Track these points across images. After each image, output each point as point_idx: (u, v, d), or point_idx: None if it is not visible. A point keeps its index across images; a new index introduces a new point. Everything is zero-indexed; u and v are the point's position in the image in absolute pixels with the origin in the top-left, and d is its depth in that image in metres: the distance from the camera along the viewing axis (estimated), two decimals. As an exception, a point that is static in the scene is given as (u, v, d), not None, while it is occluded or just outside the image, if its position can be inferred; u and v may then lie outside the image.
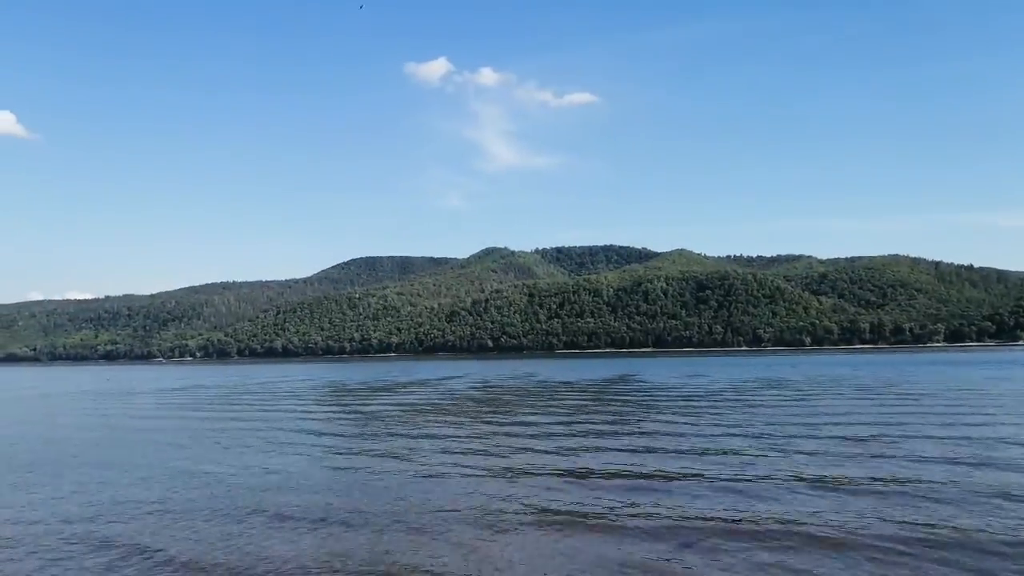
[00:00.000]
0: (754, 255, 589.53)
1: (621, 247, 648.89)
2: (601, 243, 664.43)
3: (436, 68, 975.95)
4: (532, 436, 33.38)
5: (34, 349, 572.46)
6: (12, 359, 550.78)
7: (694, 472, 23.51)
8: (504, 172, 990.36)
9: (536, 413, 45.38)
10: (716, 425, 35.79)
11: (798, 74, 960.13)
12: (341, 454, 29.50)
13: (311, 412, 51.15)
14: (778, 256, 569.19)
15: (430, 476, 24.10)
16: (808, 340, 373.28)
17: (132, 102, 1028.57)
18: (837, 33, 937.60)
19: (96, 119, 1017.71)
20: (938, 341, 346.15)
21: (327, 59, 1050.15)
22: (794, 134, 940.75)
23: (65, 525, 19.01)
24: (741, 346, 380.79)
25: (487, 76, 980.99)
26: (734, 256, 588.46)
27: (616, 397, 59.38)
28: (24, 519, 19.78)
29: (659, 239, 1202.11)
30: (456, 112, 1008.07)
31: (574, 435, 33.40)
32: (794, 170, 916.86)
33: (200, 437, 36.07)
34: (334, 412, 51.30)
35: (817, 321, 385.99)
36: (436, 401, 59.38)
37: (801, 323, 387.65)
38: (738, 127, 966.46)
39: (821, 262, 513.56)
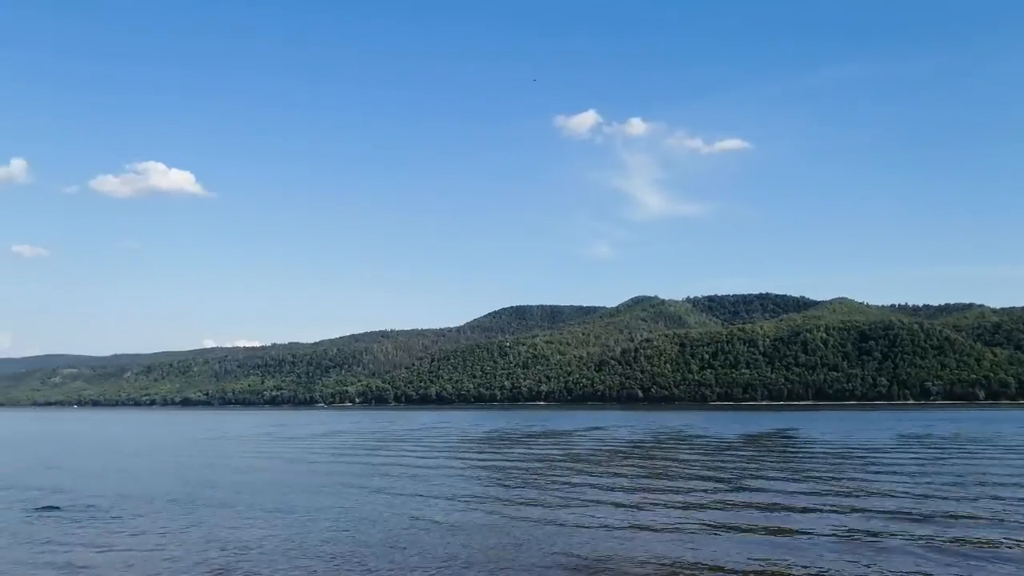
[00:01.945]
0: (920, 304, 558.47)
1: (777, 295, 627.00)
2: (756, 291, 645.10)
3: (585, 120, 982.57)
4: (652, 500, 31.83)
5: (206, 394, 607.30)
6: (187, 403, 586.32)
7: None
8: (653, 220, 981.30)
9: (668, 472, 43.51)
10: (867, 493, 33.08)
11: (963, 114, 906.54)
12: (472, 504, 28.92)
13: (442, 461, 50.92)
14: (946, 305, 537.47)
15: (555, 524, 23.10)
16: (982, 394, 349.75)
17: (298, 159, 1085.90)
18: (1004, 71, 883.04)
19: (266, 176, 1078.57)
20: None
21: (479, 114, 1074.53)
22: (961, 176, 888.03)
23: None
24: (908, 399, 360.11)
25: (636, 126, 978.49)
26: (898, 305, 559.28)
27: (759, 454, 56.30)
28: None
29: (817, 287, 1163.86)
30: (604, 162, 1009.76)
31: (687, 507, 31.58)
32: (963, 214, 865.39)
33: (335, 482, 36.26)
34: (471, 461, 50.88)
35: (991, 374, 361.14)
36: (563, 454, 58.15)
37: (973, 376, 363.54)
38: (899, 170, 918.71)
39: (994, 311, 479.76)
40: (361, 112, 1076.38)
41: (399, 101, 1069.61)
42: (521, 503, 31.34)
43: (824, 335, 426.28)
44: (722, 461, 51.93)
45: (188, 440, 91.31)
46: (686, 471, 44.88)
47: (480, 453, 62.67)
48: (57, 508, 30.81)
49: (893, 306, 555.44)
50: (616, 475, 42.77)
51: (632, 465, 49.70)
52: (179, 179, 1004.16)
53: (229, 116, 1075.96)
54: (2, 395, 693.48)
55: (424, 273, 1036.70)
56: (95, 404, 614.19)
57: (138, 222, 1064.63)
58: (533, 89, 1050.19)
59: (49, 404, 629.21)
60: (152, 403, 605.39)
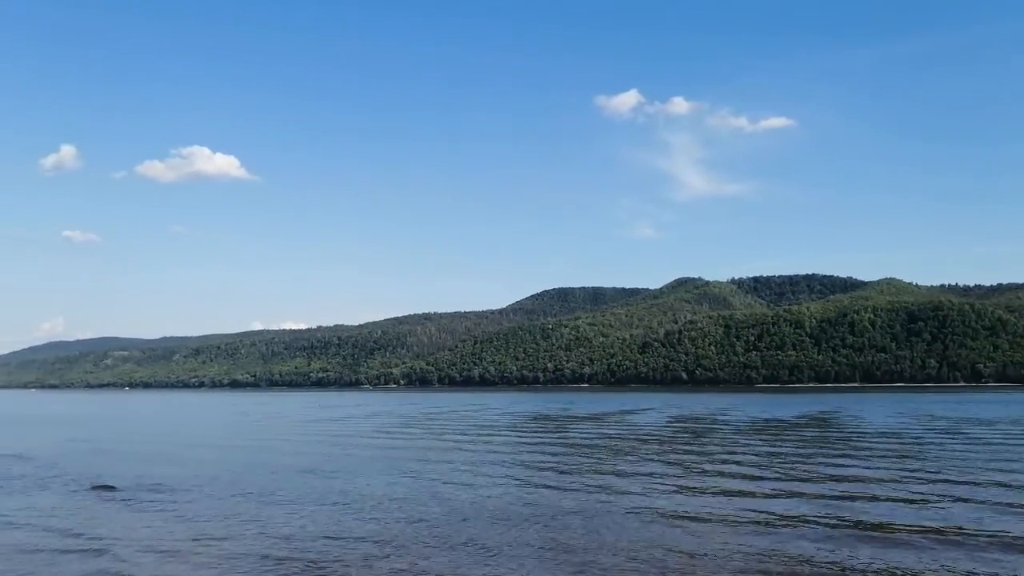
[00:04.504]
0: (971, 284, 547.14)
1: (824, 276, 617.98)
2: (802, 272, 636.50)
3: (627, 100, 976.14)
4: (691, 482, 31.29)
5: (254, 375, 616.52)
6: (235, 384, 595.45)
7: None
8: (697, 201, 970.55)
9: (707, 457, 42.92)
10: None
11: (1011, 84, 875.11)
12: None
13: (483, 444, 50.83)
14: (999, 285, 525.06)
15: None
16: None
17: (342, 144, 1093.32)
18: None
19: (310, 159, 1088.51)
20: None
21: (521, 97, 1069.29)
22: (1013, 149, 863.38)
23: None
24: (958, 381, 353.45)
25: (679, 105, 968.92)
26: (948, 285, 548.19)
27: (800, 441, 55.31)
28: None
29: (865, 268, 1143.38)
30: (647, 142, 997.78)
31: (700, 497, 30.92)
32: (1016, 189, 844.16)
33: (376, 463, 36.21)
34: (509, 444, 50.72)
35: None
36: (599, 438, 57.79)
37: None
38: (947, 145, 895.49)
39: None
40: (404, 98, 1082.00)
41: (441, 89, 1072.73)
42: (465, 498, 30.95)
43: (872, 316, 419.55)
44: (710, 447, 51.12)
45: (235, 422, 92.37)
46: (667, 458, 44.22)
47: (479, 439, 62.48)
48: (113, 488, 30.88)
49: (943, 286, 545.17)
50: (596, 462, 42.21)
51: (623, 452, 49.08)
52: (224, 163, 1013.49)
53: (273, 101, 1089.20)
54: (56, 377, 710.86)
55: (467, 256, 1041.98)
56: (145, 386, 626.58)
57: (184, 206, 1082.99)
58: (574, 70, 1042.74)
59: (101, 386, 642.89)
60: (200, 385, 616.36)
